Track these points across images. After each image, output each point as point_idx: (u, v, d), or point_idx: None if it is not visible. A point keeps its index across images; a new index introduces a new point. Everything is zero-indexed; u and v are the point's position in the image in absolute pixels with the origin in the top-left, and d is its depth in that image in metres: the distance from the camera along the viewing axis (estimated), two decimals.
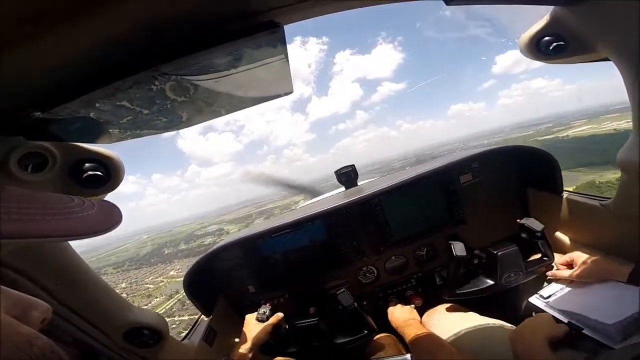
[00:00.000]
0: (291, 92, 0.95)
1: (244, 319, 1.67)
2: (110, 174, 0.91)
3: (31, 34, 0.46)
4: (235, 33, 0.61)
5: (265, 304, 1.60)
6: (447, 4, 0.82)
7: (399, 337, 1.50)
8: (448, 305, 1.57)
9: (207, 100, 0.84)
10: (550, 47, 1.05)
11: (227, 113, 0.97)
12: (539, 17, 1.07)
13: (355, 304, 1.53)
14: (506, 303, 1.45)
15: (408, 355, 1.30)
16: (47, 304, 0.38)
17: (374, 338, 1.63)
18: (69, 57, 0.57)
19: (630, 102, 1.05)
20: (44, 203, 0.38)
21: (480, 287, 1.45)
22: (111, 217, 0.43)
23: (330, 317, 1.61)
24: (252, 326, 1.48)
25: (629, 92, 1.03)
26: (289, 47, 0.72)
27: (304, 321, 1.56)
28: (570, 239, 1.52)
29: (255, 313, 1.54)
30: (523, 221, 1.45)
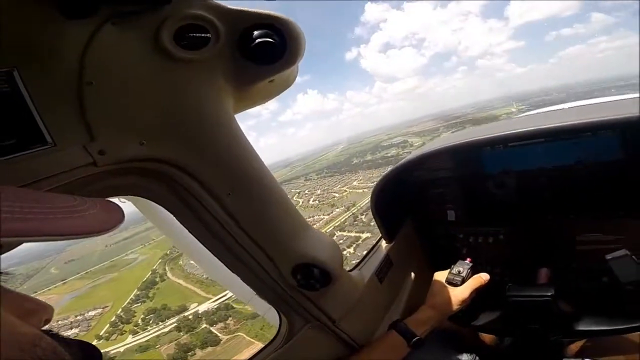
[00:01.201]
0: None
1: (431, 256, 1.37)
2: (285, 41, 0.69)
3: None
4: None
5: (465, 260, 1.19)
6: None
7: None
8: None
9: None
10: None
11: None
12: None
13: None
14: None
15: None
16: (50, 305, 0.39)
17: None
18: None
19: None
20: (45, 202, 0.38)
21: None
22: (113, 217, 0.42)
23: (575, 291, 1.08)
24: (440, 289, 1.14)
25: None
26: None
27: (525, 294, 1.06)
28: None
29: (447, 271, 1.17)
30: None
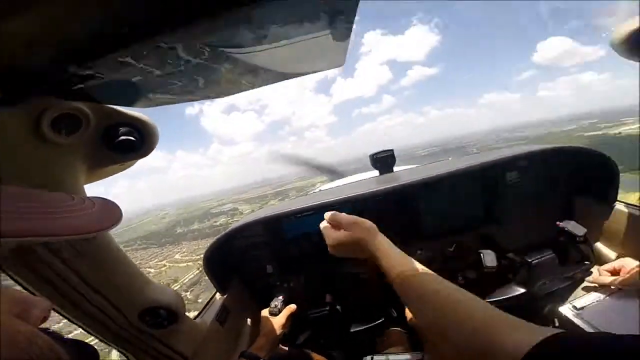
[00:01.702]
0: (342, 65, 0.90)
1: (258, 299, 1.73)
2: (143, 139, 0.89)
3: None
4: None
5: (278, 297, 1.62)
6: None
7: (413, 334, 1.53)
8: None
9: (250, 69, 0.78)
10: None
11: (268, 84, 0.93)
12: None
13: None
14: (531, 308, 1.41)
15: (420, 354, 1.28)
16: (48, 302, 0.39)
17: (387, 331, 1.66)
18: (105, 9, 0.52)
19: None
20: (43, 202, 0.38)
21: (510, 296, 1.43)
22: (111, 216, 0.44)
23: (347, 306, 1.66)
24: (266, 321, 1.51)
25: None
26: None
27: (316, 311, 1.60)
28: (613, 252, 1.46)
29: (268, 308, 1.57)
30: (563, 224, 1.40)
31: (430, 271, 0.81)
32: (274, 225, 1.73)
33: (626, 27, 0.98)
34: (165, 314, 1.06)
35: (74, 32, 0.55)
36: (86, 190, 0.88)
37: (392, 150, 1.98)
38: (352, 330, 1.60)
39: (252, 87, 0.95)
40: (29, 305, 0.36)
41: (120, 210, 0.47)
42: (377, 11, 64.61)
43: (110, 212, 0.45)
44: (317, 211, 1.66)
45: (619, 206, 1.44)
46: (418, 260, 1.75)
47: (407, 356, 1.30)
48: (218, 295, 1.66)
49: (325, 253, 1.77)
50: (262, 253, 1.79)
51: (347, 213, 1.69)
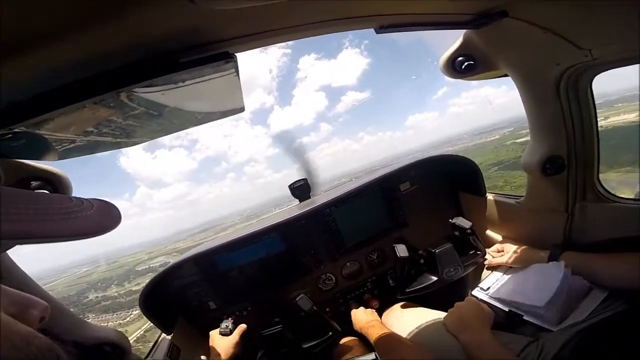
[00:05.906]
0: (242, 111, 1.10)
1: (207, 335, 1.79)
2: (57, 190, 0.96)
3: None
4: (190, 62, 0.72)
5: (228, 319, 1.76)
6: (377, 32, 1.04)
7: (363, 338, 1.71)
8: (403, 303, 1.83)
9: (155, 119, 0.93)
10: (463, 66, 1.33)
11: (173, 132, 1.09)
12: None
13: (315, 307, 1.76)
14: (453, 296, 1.71)
15: (372, 354, 1.47)
16: (46, 302, 0.40)
17: (340, 341, 1.83)
18: (24, 77, 0.65)
19: (526, 112, 1.35)
20: (42, 203, 0.40)
21: (426, 284, 1.73)
22: (110, 217, 0.46)
23: (296, 325, 1.81)
24: (218, 341, 1.62)
25: (524, 103, 1.33)
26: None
27: (268, 330, 1.74)
28: (499, 235, 1.85)
29: (218, 329, 1.69)
30: (454, 220, 1.76)
31: None
32: (206, 262, 1.84)
33: (447, 53, 1.36)
34: (111, 350, 1.09)
35: None
36: None
37: (305, 179, 2.30)
38: (305, 346, 1.76)
39: (166, 133, 1.10)
40: (27, 305, 0.38)
41: (119, 212, 0.49)
42: None
43: (109, 213, 0.47)
44: (246, 242, 1.84)
45: (494, 197, 1.82)
46: (350, 273, 2.05)
47: (372, 356, 1.47)
48: (164, 335, 1.71)
49: (267, 281, 1.96)
50: (201, 290, 1.90)
51: (274, 239, 1.94)
